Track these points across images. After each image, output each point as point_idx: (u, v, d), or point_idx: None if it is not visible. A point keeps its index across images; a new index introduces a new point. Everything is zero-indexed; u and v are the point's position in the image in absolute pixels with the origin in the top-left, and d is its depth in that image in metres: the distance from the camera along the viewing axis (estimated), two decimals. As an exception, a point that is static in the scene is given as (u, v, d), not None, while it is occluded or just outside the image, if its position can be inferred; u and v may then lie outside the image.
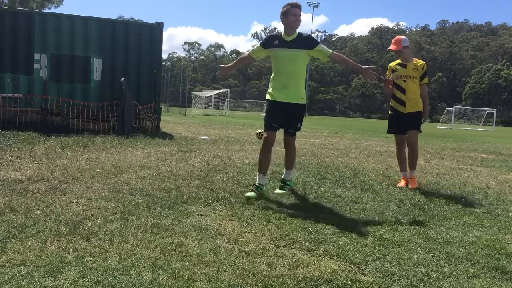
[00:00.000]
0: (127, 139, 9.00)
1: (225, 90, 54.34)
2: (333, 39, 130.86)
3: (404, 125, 5.57)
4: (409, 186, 5.44)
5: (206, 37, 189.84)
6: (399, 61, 5.64)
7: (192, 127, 16.67)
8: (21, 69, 10.33)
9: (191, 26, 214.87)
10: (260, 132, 10.55)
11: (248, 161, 6.98)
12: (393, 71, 5.64)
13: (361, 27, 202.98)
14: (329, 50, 4.61)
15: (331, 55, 4.57)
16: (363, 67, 4.61)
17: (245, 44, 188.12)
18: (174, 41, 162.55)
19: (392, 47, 5.58)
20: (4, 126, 9.42)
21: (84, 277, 2.30)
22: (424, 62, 5.60)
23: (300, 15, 4.50)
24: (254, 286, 2.33)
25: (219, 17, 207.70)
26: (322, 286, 2.38)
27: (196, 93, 56.34)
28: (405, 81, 5.50)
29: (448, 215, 4.13)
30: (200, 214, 3.70)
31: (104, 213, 3.53)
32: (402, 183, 5.59)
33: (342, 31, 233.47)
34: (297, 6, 4.47)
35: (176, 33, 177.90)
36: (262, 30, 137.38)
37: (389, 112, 5.82)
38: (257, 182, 4.57)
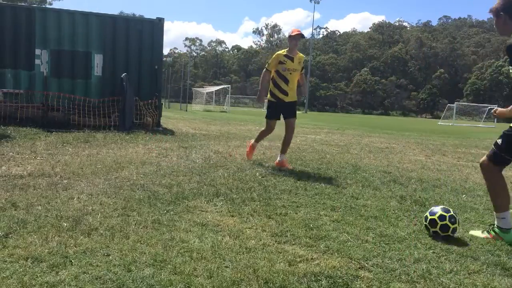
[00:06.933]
0: (128, 135, 9.01)
1: (226, 86, 54.24)
2: (335, 35, 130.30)
3: (284, 113, 6.23)
4: (288, 167, 6.03)
5: (200, 31, 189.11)
6: (285, 51, 6.12)
7: (193, 123, 16.67)
8: (22, 64, 10.33)
9: (182, 20, 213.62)
10: None
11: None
12: (280, 62, 6.08)
13: (352, 23, 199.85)
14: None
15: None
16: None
17: (241, 41, 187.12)
18: (169, 35, 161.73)
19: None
20: (5, 122, 9.43)
21: (85, 272, 2.31)
22: (304, 56, 6.35)
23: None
24: (254, 282, 2.33)
25: (211, 12, 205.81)
26: (323, 282, 2.39)
27: (197, 89, 56.05)
28: (290, 73, 6.09)
29: (449, 212, 4.12)
30: (201, 210, 3.71)
31: (105, 208, 3.54)
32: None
33: (332, 25, 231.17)
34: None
35: (171, 27, 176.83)
36: (264, 27, 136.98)
37: (271, 99, 6.26)
38: None
